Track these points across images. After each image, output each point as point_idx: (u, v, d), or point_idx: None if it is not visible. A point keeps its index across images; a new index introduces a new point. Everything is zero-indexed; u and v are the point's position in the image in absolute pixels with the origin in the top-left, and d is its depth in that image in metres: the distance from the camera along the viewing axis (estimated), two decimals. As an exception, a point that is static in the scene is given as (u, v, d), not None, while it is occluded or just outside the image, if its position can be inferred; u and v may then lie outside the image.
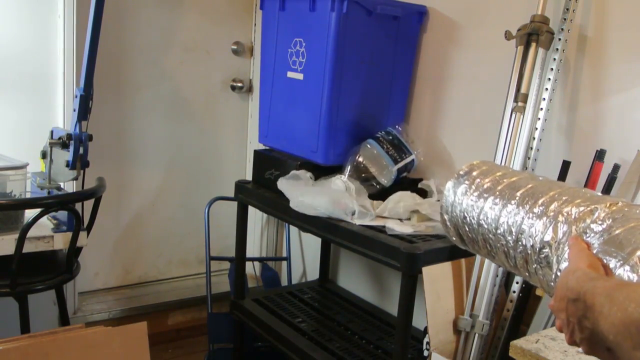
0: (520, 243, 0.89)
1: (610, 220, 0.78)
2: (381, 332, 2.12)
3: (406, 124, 2.14)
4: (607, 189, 1.47)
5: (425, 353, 1.64)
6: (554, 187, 0.91)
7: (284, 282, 2.78)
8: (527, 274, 0.91)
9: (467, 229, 1.00)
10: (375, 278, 2.38)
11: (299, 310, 2.26)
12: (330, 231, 1.80)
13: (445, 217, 1.04)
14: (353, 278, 2.48)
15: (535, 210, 0.88)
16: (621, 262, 0.71)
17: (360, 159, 1.95)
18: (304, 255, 2.77)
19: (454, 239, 1.04)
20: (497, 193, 0.96)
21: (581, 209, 0.83)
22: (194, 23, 2.72)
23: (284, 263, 2.79)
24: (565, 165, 1.61)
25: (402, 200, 1.85)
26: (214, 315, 2.45)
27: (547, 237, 0.84)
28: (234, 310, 2.29)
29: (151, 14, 2.60)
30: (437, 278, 1.66)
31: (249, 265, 2.50)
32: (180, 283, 2.91)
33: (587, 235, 0.79)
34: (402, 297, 1.61)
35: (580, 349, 0.70)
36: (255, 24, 2.85)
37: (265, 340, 2.23)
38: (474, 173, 1.03)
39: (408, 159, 1.99)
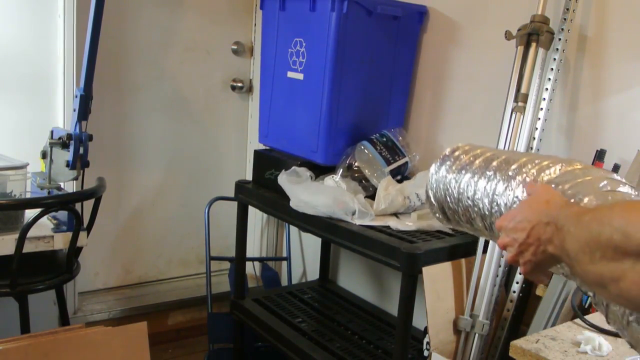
0: (495, 204, 0.99)
1: (560, 175, 0.90)
2: (381, 332, 2.12)
3: (402, 128, 2.14)
4: (607, 189, 1.47)
5: (425, 353, 1.64)
6: (527, 156, 1.02)
7: (284, 282, 2.78)
8: None
9: (449, 201, 1.10)
10: (375, 278, 2.38)
11: (299, 310, 2.26)
12: (330, 231, 1.80)
13: (430, 193, 1.14)
14: (353, 278, 2.48)
15: (510, 173, 0.98)
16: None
17: (353, 160, 1.95)
18: (304, 255, 2.77)
19: (438, 215, 1.14)
20: (476, 165, 1.07)
21: (544, 166, 0.95)
22: (194, 23, 2.72)
23: (284, 263, 2.79)
24: (565, 165, 1.61)
25: (389, 185, 1.86)
26: (214, 315, 2.45)
27: (518, 193, 0.94)
28: (234, 310, 2.29)
29: (151, 14, 2.60)
30: (437, 278, 1.66)
31: (249, 265, 2.50)
32: (180, 283, 2.91)
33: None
34: (402, 297, 1.61)
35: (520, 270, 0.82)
36: (255, 24, 2.85)
37: (265, 340, 2.23)
38: (456, 153, 1.14)
39: (401, 161, 1.98)
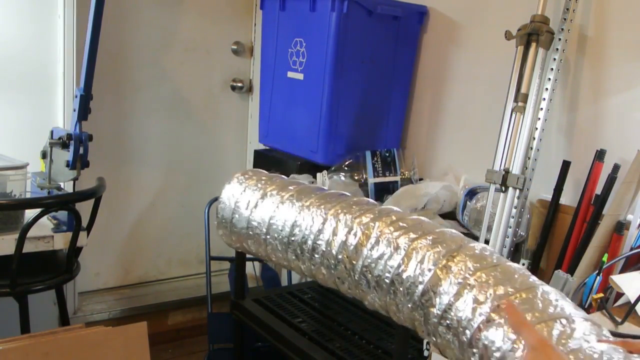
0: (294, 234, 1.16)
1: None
2: (381, 332, 2.12)
3: (407, 149, 2.18)
4: (607, 189, 1.47)
5: (426, 353, 1.64)
6: (340, 197, 1.19)
7: (284, 282, 2.77)
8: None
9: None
10: (375, 278, 2.38)
11: (299, 310, 2.26)
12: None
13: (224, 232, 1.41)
14: (353, 278, 2.48)
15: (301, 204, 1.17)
16: None
17: (347, 162, 1.98)
18: (304, 255, 2.76)
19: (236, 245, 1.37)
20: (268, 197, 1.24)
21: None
22: (194, 23, 2.72)
23: (284, 263, 2.79)
24: (565, 165, 1.61)
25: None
26: (214, 315, 2.45)
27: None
28: (234, 310, 2.29)
29: (151, 14, 2.60)
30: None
31: (249, 265, 2.49)
32: (180, 283, 2.91)
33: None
34: (402, 297, 1.61)
35: None
36: (255, 24, 2.85)
37: (265, 340, 2.23)
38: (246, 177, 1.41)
39: (389, 178, 1.99)
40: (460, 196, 1.85)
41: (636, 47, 1.57)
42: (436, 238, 0.98)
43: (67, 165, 1.94)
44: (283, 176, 1.39)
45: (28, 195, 2.02)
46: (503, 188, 1.63)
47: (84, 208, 2.03)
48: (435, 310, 0.91)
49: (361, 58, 1.99)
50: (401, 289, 0.95)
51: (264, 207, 1.24)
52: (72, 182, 2.13)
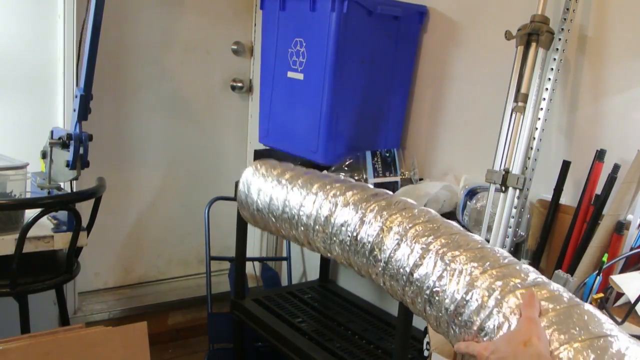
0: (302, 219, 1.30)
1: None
2: (381, 332, 2.12)
3: (408, 149, 2.17)
4: (607, 189, 1.47)
5: (426, 353, 1.64)
6: (324, 178, 1.33)
7: (284, 282, 2.78)
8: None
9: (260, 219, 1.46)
10: (375, 278, 2.38)
11: (299, 310, 2.26)
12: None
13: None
14: (353, 278, 2.48)
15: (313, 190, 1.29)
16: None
17: (347, 162, 1.98)
18: (304, 255, 2.77)
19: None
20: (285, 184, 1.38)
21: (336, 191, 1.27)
22: (194, 23, 2.72)
23: (284, 263, 2.79)
24: (565, 165, 1.61)
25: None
26: (214, 315, 2.45)
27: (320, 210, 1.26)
28: (234, 310, 2.29)
29: (151, 14, 2.60)
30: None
31: (249, 265, 2.50)
32: (180, 283, 2.91)
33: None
34: (402, 297, 1.61)
35: None
36: (255, 24, 2.85)
37: (265, 340, 2.23)
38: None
39: (389, 179, 2.00)
40: (460, 196, 1.85)
41: (636, 47, 1.57)
42: (389, 203, 1.18)
43: (67, 165, 1.94)
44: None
45: (28, 195, 2.02)
46: (503, 188, 1.63)
47: (84, 208, 2.04)
48: (381, 264, 1.12)
49: (361, 58, 1.99)
50: (358, 247, 1.19)
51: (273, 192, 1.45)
52: (72, 182, 2.13)
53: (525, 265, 0.97)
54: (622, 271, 1.37)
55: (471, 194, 1.81)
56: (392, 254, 1.10)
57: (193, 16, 2.71)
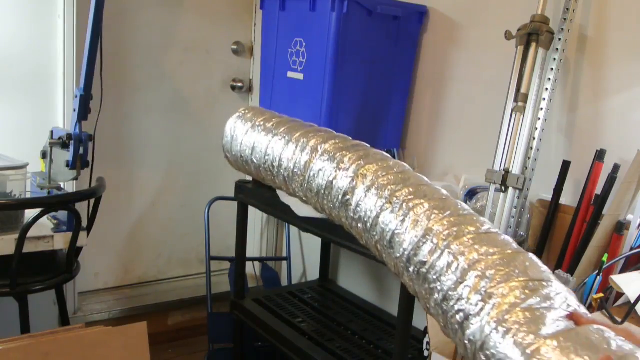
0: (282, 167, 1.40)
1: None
2: (381, 332, 2.12)
3: (408, 149, 2.16)
4: (607, 189, 1.47)
5: (426, 353, 1.64)
6: (307, 127, 1.42)
7: (284, 282, 2.78)
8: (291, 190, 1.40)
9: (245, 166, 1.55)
10: (375, 278, 2.38)
11: (299, 310, 2.26)
12: (330, 231, 1.80)
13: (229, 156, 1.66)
14: (353, 278, 2.48)
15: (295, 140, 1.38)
16: None
17: None
18: (304, 255, 2.77)
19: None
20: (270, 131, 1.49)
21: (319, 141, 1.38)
22: (194, 23, 2.72)
23: (284, 263, 2.79)
24: (565, 165, 1.61)
25: None
26: (214, 315, 2.45)
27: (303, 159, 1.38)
28: (234, 310, 2.29)
29: (151, 14, 2.60)
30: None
31: (249, 265, 2.50)
32: (180, 283, 2.91)
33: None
34: (402, 297, 1.61)
35: None
36: (255, 24, 2.85)
37: (265, 340, 2.23)
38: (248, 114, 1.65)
39: None
40: (460, 196, 1.85)
41: (636, 47, 1.57)
42: (367, 153, 1.28)
43: (67, 165, 1.94)
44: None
45: (28, 195, 2.02)
46: (503, 188, 1.63)
47: (84, 208, 2.04)
48: (352, 207, 1.20)
49: (361, 58, 1.99)
50: (333, 192, 1.27)
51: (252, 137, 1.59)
52: (74, 182, 2.13)
53: (483, 218, 1.04)
54: (622, 271, 1.37)
55: (471, 194, 1.81)
56: (362, 199, 1.17)
57: (193, 16, 2.71)
